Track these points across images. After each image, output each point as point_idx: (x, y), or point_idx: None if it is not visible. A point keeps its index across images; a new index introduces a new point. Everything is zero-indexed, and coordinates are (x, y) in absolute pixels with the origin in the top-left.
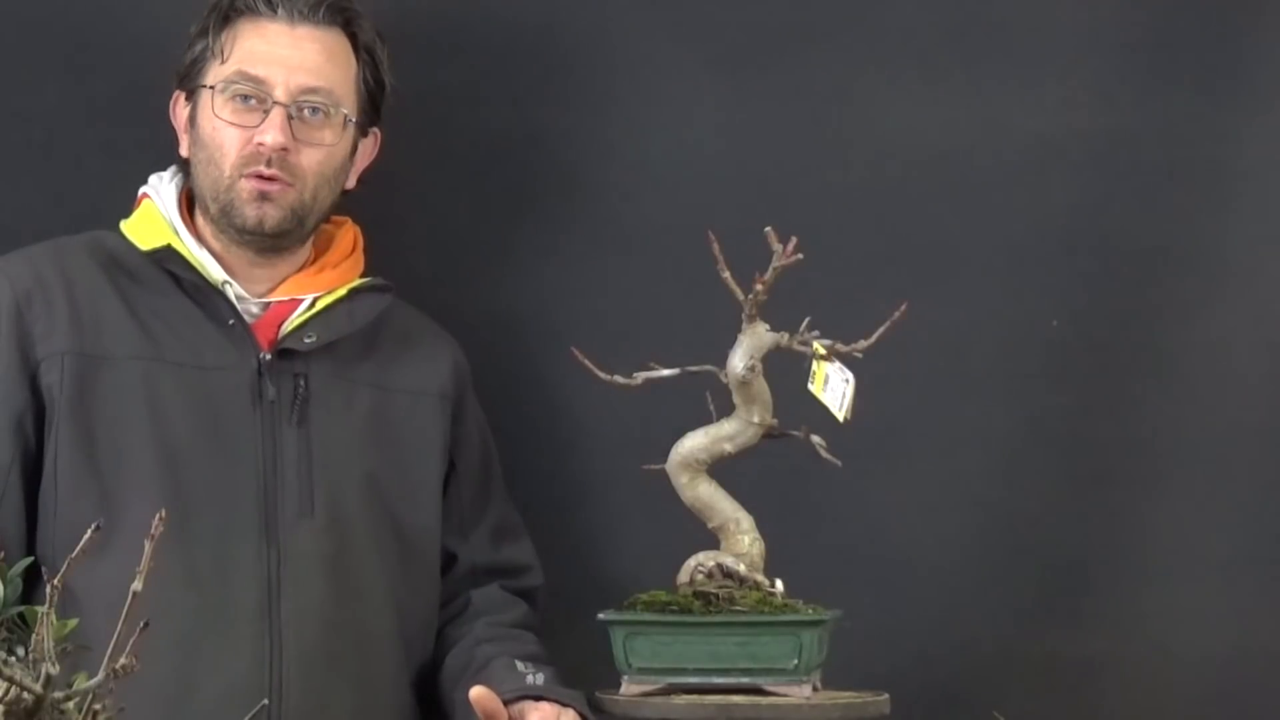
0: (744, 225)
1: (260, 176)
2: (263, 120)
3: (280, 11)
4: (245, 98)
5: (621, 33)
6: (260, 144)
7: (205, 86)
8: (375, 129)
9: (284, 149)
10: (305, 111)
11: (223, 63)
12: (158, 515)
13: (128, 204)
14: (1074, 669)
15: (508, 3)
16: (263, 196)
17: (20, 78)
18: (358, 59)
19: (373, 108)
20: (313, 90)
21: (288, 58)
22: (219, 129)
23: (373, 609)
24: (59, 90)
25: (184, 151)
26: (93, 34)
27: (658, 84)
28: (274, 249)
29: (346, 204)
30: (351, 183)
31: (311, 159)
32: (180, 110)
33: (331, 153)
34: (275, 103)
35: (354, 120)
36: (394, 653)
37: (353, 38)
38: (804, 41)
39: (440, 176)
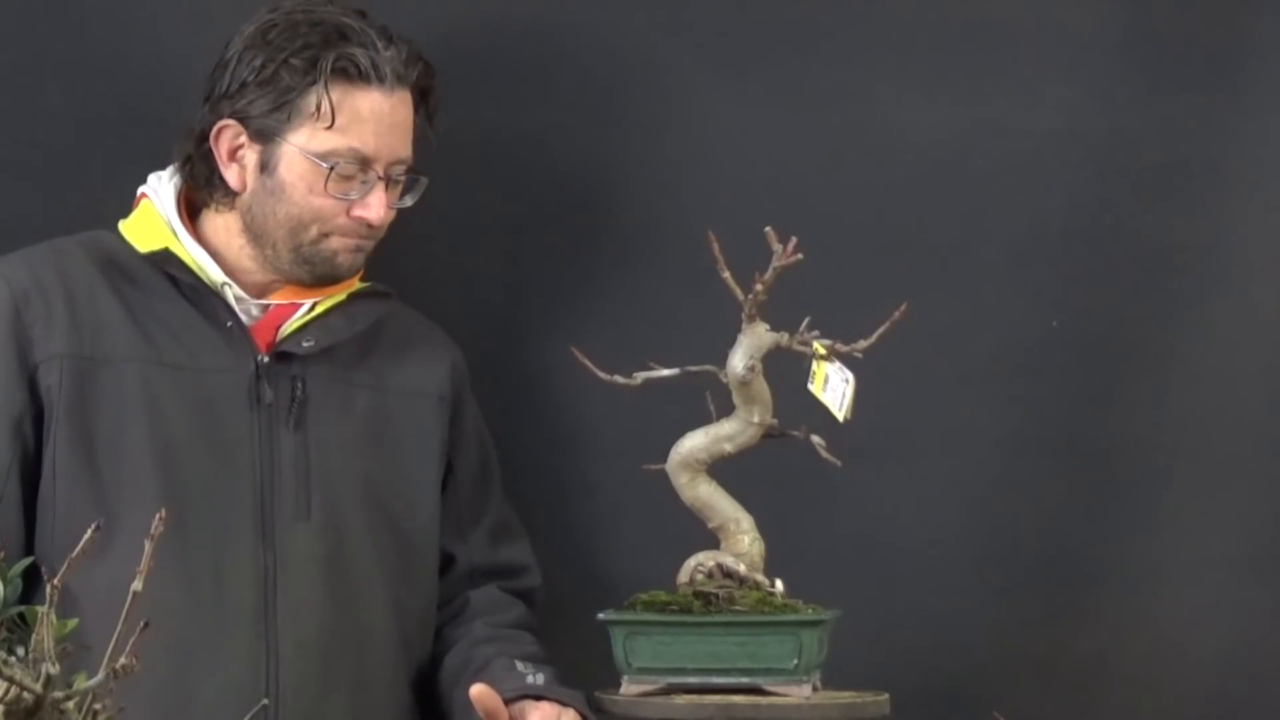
0: (744, 225)
1: (360, 237)
2: (360, 190)
3: (386, 77)
4: (337, 168)
5: (622, 33)
6: (361, 217)
7: (304, 150)
8: None
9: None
10: (393, 181)
11: (328, 128)
12: (157, 515)
13: (127, 204)
14: (1074, 668)
15: (509, 2)
16: (356, 250)
17: (20, 79)
18: (417, 113)
19: None
20: (403, 161)
21: (389, 132)
22: (317, 196)
23: (370, 611)
24: (59, 91)
25: (236, 186)
26: (93, 35)
27: (658, 84)
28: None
29: None
30: None
31: (388, 216)
32: (230, 140)
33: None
34: (379, 179)
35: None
36: (392, 654)
37: (420, 93)
38: (805, 42)
39: (440, 177)
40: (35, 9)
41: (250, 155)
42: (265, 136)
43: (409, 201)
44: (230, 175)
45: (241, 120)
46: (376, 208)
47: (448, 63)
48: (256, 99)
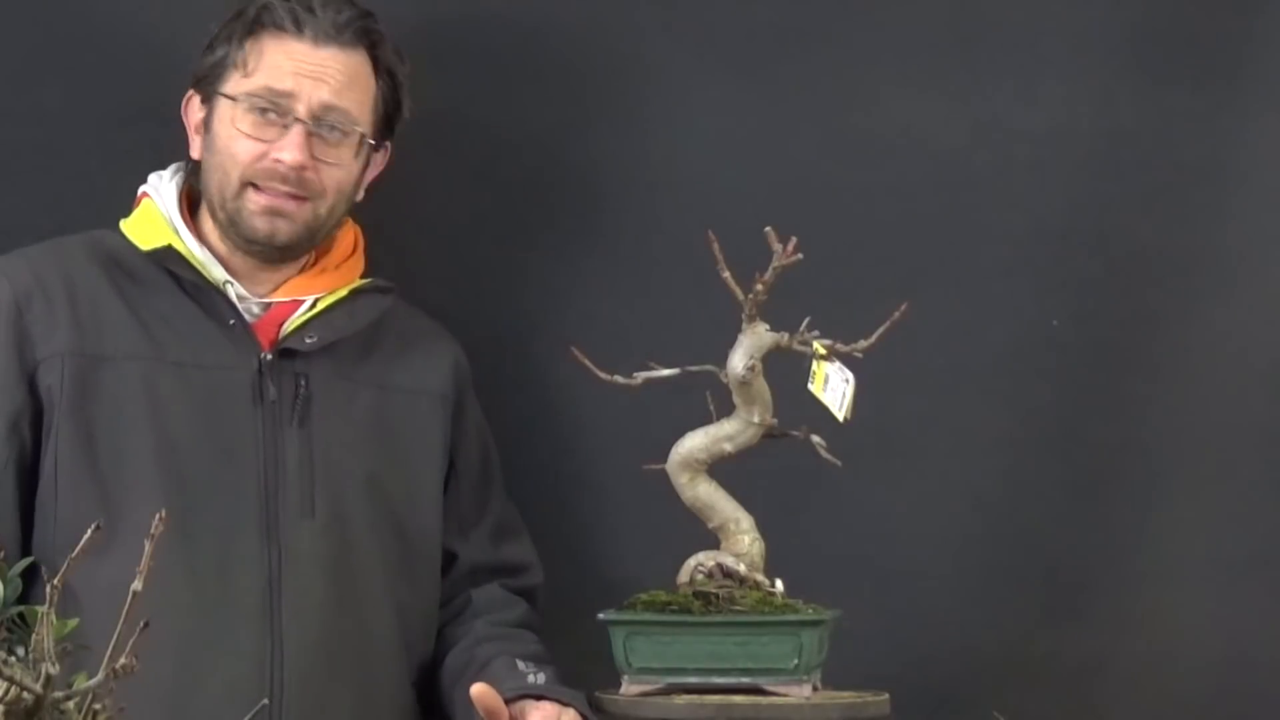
0: (744, 225)
1: (277, 193)
2: (281, 136)
3: (306, 31)
4: (264, 111)
5: (622, 33)
6: (278, 160)
7: (226, 96)
8: (387, 143)
9: (302, 167)
10: (324, 130)
11: (245, 75)
12: (158, 515)
13: (128, 204)
14: (1074, 669)
15: (510, 4)
16: (275, 212)
17: (20, 78)
18: (377, 80)
19: (387, 126)
20: (333, 108)
21: (311, 76)
22: (235, 139)
23: (373, 609)
24: (59, 90)
25: (195, 154)
26: (93, 34)
27: (658, 84)
28: (280, 259)
29: None
30: (360, 195)
31: (330, 177)
32: (194, 111)
33: (349, 169)
34: (297, 120)
35: (370, 141)
36: (394, 652)
37: (375, 60)
38: (804, 41)
39: (441, 177)
40: (35, 8)
41: (200, 120)
42: (207, 98)
43: (370, 173)
44: (194, 148)
45: (196, 90)
46: (290, 149)
47: (448, 61)
48: (202, 66)
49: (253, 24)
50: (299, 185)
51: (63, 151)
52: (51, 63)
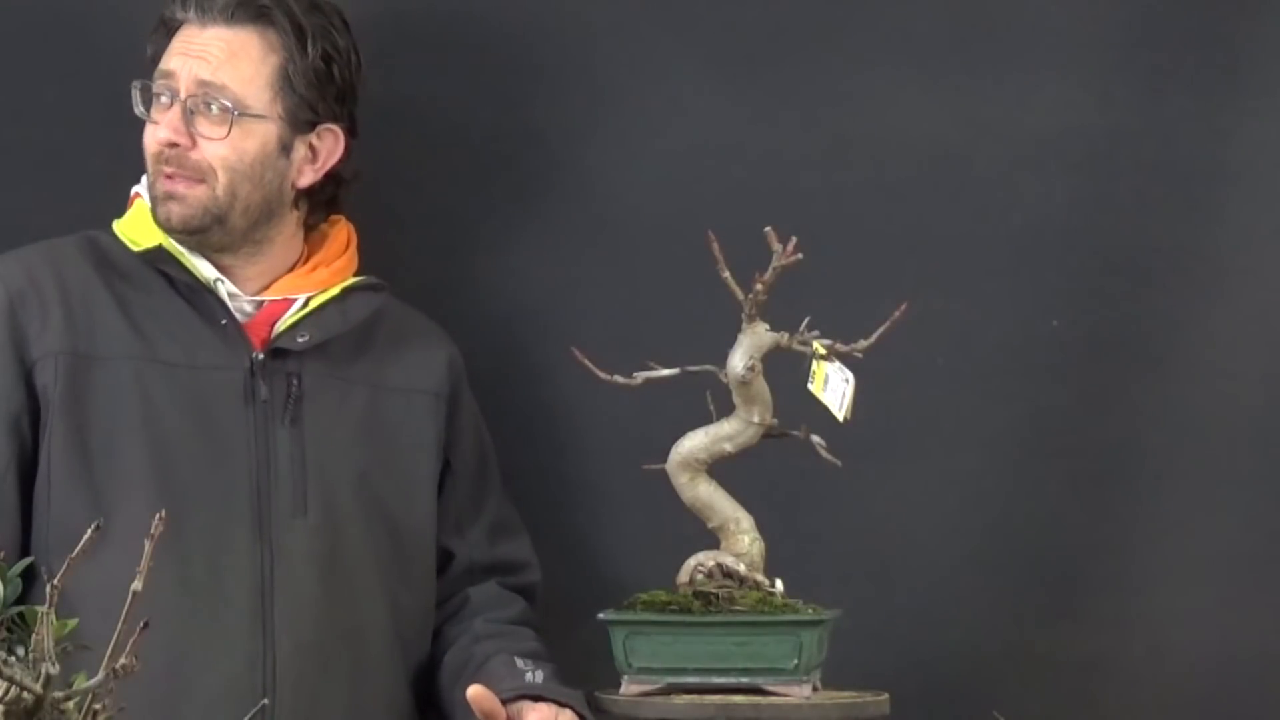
0: (744, 225)
1: (162, 174)
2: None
3: (192, 12)
4: (158, 96)
5: (621, 32)
6: (157, 141)
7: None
8: (333, 126)
9: (173, 144)
10: (202, 105)
11: (155, 66)
12: (157, 516)
13: (123, 204)
14: (1074, 669)
15: (506, 2)
16: (168, 195)
17: (20, 78)
18: (281, 55)
19: (310, 106)
20: (206, 84)
21: (194, 55)
22: (146, 127)
23: (367, 608)
24: (59, 90)
25: None
26: (92, 34)
27: (657, 83)
28: (211, 246)
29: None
30: (306, 180)
31: (213, 154)
32: None
33: (236, 147)
34: (176, 99)
35: (259, 115)
36: (389, 651)
37: (277, 35)
38: (804, 41)
39: (439, 176)
40: (33, 8)
41: None
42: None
43: (326, 157)
44: None
45: None
46: (163, 128)
47: (448, 60)
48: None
49: (162, 15)
50: (179, 165)
51: (62, 151)
52: (50, 62)
